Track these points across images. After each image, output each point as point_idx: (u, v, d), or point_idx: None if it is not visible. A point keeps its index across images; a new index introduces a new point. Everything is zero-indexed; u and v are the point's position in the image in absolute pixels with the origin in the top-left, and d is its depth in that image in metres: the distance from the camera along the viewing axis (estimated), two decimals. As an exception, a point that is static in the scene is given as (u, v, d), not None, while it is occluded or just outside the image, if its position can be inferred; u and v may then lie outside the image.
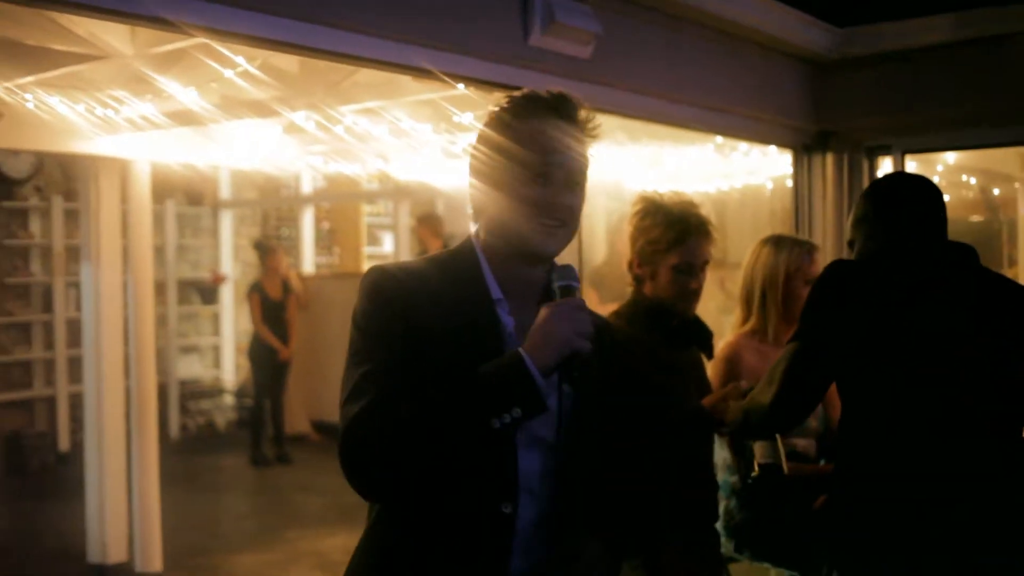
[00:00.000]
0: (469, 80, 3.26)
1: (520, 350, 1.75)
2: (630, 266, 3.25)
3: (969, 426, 2.47)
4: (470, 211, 1.99)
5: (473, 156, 1.95)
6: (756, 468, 3.16)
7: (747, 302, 3.69)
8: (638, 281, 3.23)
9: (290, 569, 6.09)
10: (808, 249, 3.67)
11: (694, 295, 3.18)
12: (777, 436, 3.12)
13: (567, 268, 1.90)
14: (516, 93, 1.95)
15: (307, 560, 6.20)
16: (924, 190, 2.66)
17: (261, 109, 4.56)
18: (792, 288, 3.57)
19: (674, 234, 3.11)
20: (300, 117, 4.82)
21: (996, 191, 7.74)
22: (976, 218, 8.23)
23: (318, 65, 4.25)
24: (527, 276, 1.93)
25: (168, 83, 3.81)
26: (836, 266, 2.70)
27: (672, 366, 3.18)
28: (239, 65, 3.52)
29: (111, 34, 3.42)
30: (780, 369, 2.62)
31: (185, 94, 3.95)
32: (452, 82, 3.24)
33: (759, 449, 3.02)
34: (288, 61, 4.17)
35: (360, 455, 1.76)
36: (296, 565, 6.14)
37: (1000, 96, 4.68)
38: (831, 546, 2.66)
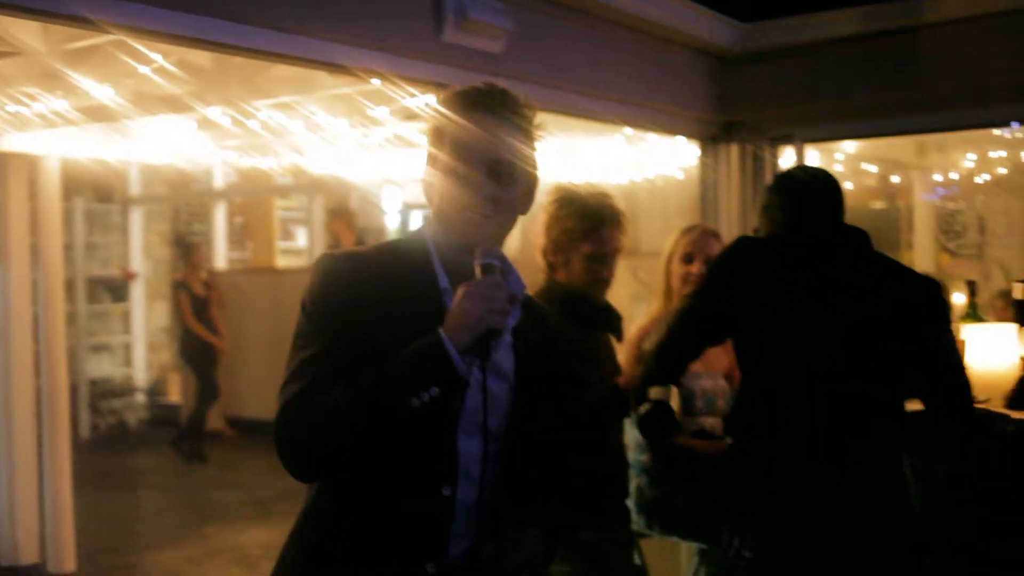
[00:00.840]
0: (384, 75, 3.31)
1: (439, 330, 1.77)
2: (544, 253, 3.34)
3: (852, 398, 2.64)
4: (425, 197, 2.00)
5: (429, 152, 1.96)
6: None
7: (663, 290, 3.83)
8: (551, 268, 3.33)
9: (207, 564, 6.06)
10: (712, 234, 3.82)
11: (605, 283, 3.29)
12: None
13: (494, 250, 1.90)
14: (451, 90, 1.96)
15: (225, 555, 6.17)
16: (822, 180, 2.81)
17: (175, 104, 4.54)
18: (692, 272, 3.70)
19: (588, 224, 3.22)
20: (215, 112, 4.81)
21: (894, 179, 8.02)
22: (876, 205, 8.53)
23: (233, 60, 4.26)
24: (471, 264, 1.90)
25: (81, 79, 3.78)
26: (741, 240, 2.86)
27: (585, 350, 3.29)
28: (154, 61, 3.52)
29: (23, 30, 3.39)
30: (669, 320, 2.81)
31: (99, 90, 3.92)
32: (367, 77, 3.29)
33: (654, 392, 3.05)
34: (202, 57, 4.17)
35: (291, 436, 1.79)
36: (213, 560, 6.12)
37: (896, 87, 4.88)
38: (728, 512, 2.80)
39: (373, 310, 1.83)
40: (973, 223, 7.52)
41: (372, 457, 1.80)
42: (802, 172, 2.88)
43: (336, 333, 1.82)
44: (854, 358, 2.64)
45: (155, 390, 10.80)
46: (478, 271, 1.87)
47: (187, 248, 9.28)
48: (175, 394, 10.46)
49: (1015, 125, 5.73)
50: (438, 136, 1.91)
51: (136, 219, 10.81)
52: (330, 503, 1.90)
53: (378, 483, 1.84)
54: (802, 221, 2.73)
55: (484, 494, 1.93)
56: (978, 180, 7.52)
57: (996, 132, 6.35)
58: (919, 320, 2.64)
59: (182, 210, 11.31)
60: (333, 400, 1.76)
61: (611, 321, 3.39)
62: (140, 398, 10.72)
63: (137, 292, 10.77)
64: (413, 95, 4.04)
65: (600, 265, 3.24)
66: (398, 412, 1.76)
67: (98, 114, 4.60)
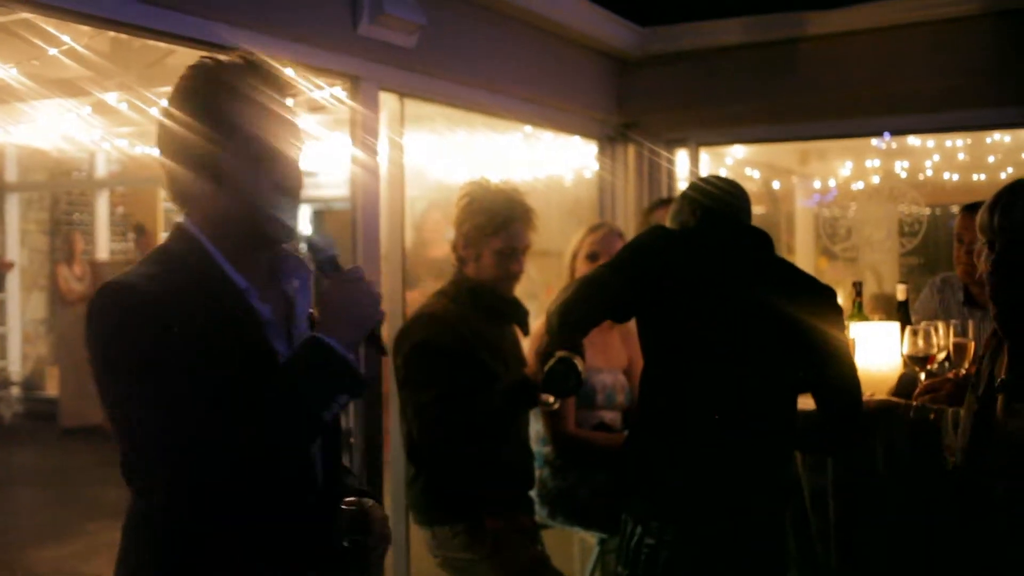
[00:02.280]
0: (297, 65, 3.31)
1: (320, 336, 1.67)
2: (454, 248, 3.40)
3: (748, 390, 2.76)
4: (178, 200, 1.81)
5: (171, 139, 1.76)
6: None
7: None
8: (461, 262, 3.39)
9: (93, 560, 5.92)
10: (618, 234, 3.94)
11: (515, 277, 3.37)
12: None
13: (320, 238, 1.81)
14: (205, 64, 1.77)
15: (111, 551, 5.97)
16: (731, 187, 2.94)
17: (70, 88, 4.45)
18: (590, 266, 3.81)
19: (498, 219, 3.29)
20: (112, 97, 4.72)
21: (776, 184, 8.30)
22: (759, 209, 8.81)
23: (132, 45, 4.19)
24: (257, 261, 1.82)
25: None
26: (657, 227, 2.96)
27: (492, 341, 3.36)
28: (63, 43, 3.46)
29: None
30: (576, 284, 2.86)
31: (3, 71, 3.82)
32: (279, 67, 3.28)
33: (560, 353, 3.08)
34: (101, 41, 4.10)
35: (202, 487, 1.61)
36: (99, 556, 5.97)
37: (784, 95, 5.07)
38: (630, 501, 2.89)
39: (184, 330, 1.63)
40: (857, 228, 7.84)
41: (271, 476, 1.67)
42: (713, 179, 3.00)
43: (170, 371, 1.62)
44: (752, 352, 2.77)
45: (31, 383, 10.46)
46: (327, 266, 1.78)
47: (65, 237, 9.07)
48: (53, 387, 10.15)
49: (887, 136, 6.04)
50: (210, 124, 1.72)
51: (12, 207, 10.46)
52: (187, 543, 1.72)
53: (249, 509, 1.68)
54: (712, 221, 2.85)
55: (327, 482, 1.88)
56: (854, 187, 7.84)
57: (873, 142, 6.65)
58: (813, 320, 2.77)
59: (61, 198, 10.98)
60: (238, 439, 1.61)
61: (518, 315, 3.47)
62: (15, 391, 10.37)
63: (12, 283, 10.42)
64: (320, 87, 4.05)
65: (510, 260, 3.32)
66: (315, 429, 1.68)
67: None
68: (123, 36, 3.87)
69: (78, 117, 5.46)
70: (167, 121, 1.76)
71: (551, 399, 3.13)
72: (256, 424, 1.62)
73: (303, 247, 1.84)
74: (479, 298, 3.33)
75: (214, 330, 1.68)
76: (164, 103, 1.80)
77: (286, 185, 1.78)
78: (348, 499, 1.89)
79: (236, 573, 1.73)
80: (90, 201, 10.72)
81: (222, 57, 1.78)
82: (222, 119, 1.72)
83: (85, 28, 3.58)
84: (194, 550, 1.72)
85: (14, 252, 10.44)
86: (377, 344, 1.79)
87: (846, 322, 3.22)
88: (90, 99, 4.86)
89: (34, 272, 10.73)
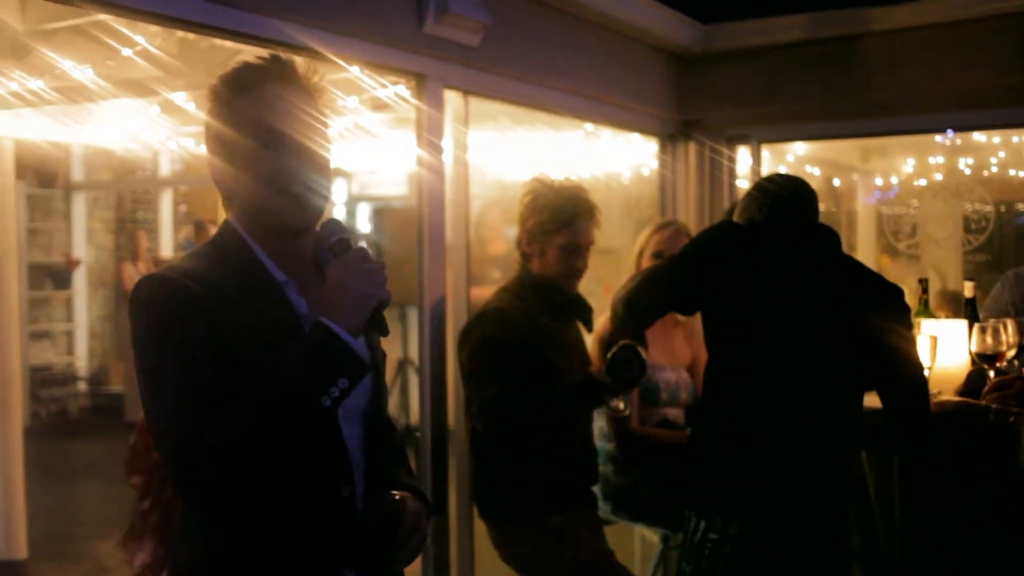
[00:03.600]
0: (363, 64, 3.35)
1: (322, 320, 1.67)
2: (519, 244, 3.43)
3: (814, 388, 2.75)
4: (223, 196, 1.88)
5: (208, 140, 1.86)
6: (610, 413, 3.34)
7: None
8: (526, 259, 3.41)
9: (158, 552, 6.03)
10: (685, 233, 3.93)
11: (579, 273, 3.39)
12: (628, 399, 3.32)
13: (332, 223, 1.83)
14: (231, 67, 1.85)
15: (176, 543, 6.14)
16: (798, 184, 2.93)
17: (138, 88, 4.53)
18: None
19: (563, 216, 3.31)
20: (180, 97, 4.80)
21: (837, 182, 8.22)
22: (820, 207, 8.72)
23: (199, 45, 4.27)
24: (298, 250, 1.86)
25: (60, 60, 3.77)
26: (726, 222, 2.97)
27: (556, 337, 3.37)
28: (136, 43, 3.53)
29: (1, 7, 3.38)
30: (641, 275, 2.89)
31: (81, 72, 3.91)
32: (346, 65, 3.33)
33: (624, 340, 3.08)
34: (169, 42, 4.17)
35: (203, 470, 1.63)
36: (164, 548, 6.09)
37: (846, 92, 5.03)
38: (694, 496, 2.90)
39: (221, 324, 1.68)
40: (922, 226, 7.74)
41: (277, 471, 1.67)
42: (780, 177, 2.99)
43: (195, 357, 1.66)
44: (817, 350, 2.76)
45: (97, 378, 10.66)
46: (335, 249, 1.79)
47: (130, 235, 9.23)
48: (117, 382, 10.34)
49: (950, 133, 5.95)
50: (231, 118, 1.80)
51: (79, 205, 10.66)
52: (226, 537, 1.76)
53: (277, 500, 1.71)
54: (780, 218, 2.84)
55: (371, 475, 1.89)
56: (917, 185, 7.74)
57: (936, 138, 6.56)
58: (881, 318, 2.76)
59: (126, 197, 11.18)
60: (239, 425, 1.62)
61: (582, 311, 3.49)
62: (82, 386, 10.58)
63: (79, 280, 10.63)
64: (385, 85, 4.09)
65: (574, 256, 3.34)
66: (313, 414, 1.65)
67: (62, 95, 4.57)
68: (191, 36, 3.95)
69: (146, 117, 5.56)
70: (208, 120, 1.84)
71: (621, 405, 3.16)
72: (252, 407, 1.62)
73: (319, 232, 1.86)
74: (543, 294, 3.35)
75: (244, 320, 1.72)
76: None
77: (293, 169, 1.80)
78: (391, 492, 1.89)
79: (256, 558, 1.75)
80: (154, 199, 10.91)
81: (253, 59, 1.85)
82: (252, 118, 1.79)
83: (155, 28, 3.65)
84: (213, 534, 1.76)
85: (81, 250, 10.64)
86: (380, 324, 1.77)
87: (913, 320, 3.20)
88: (158, 99, 4.95)
89: (100, 269, 10.93)
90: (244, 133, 1.79)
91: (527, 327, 3.25)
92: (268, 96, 1.80)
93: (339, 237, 1.79)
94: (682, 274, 2.85)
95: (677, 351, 3.99)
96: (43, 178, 10.35)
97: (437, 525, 3.44)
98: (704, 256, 2.85)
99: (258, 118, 1.78)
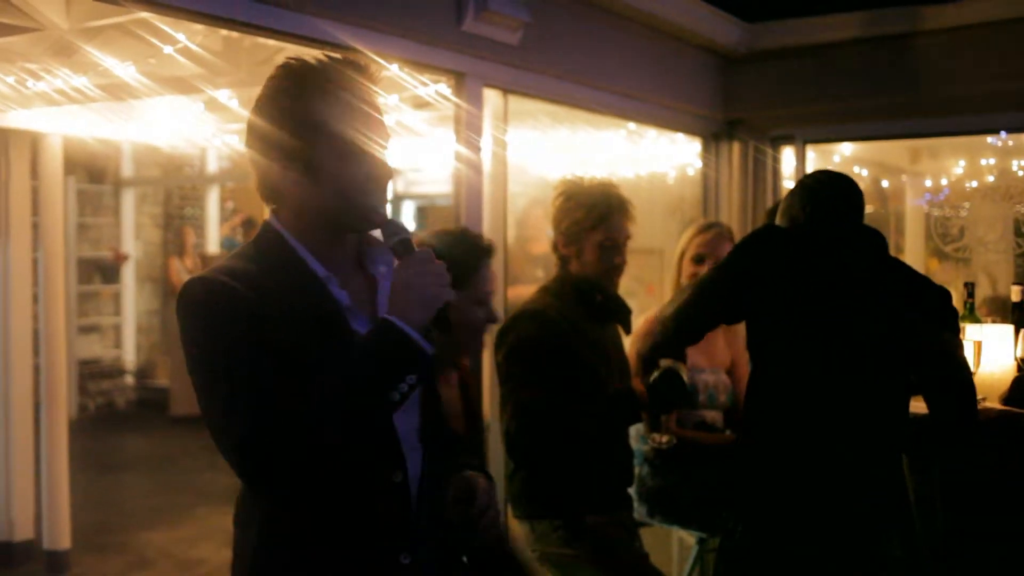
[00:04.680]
0: (403, 62, 3.35)
1: (389, 317, 1.72)
2: (555, 247, 3.41)
3: (859, 392, 2.71)
4: (267, 196, 1.88)
5: (256, 140, 1.83)
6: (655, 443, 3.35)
7: (674, 286, 3.90)
8: (564, 261, 3.39)
9: (200, 545, 6.09)
10: (728, 237, 3.88)
11: (618, 270, 3.36)
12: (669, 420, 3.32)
13: (393, 223, 1.84)
14: (290, 65, 1.82)
15: (218, 536, 6.19)
16: (843, 182, 2.88)
17: (183, 85, 4.57)
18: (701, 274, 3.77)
19: (597, 213, 3.28)
20: (224, 95, 4.83)
21: (885, 183, 8.10)
22: (867, 208, 8.61)
23: (242, 43, 4.29)
24: (342, 247, 1.89)
25: (105, 58, 3.81)
26: (768, 226, 2.93)
27: (595, 339, 3.35)
28: (176, 41, 3.56)
29: (45, 5, 3.42)
30: (686, 291, 2.87)
31: (118, 68, 3.95)
32: (385, 63, 3.33)
33: (664, 361, 3.07)
34: (212, 40, 4.20)
35: (272, 463, 1.66)
36: (207, 541, 6.15)
37: (894, 91, 4.96)
38: (733, 500, 2.87)
39: (267, 322, 1.71)
40: (971, 228, 7.62)
41: (336, 462, 1.71)
42: (824, 174, 2.94)
43: (249, 354, 1.69)
44: (863, 354, 2.71)
45: (144, 372, 10.80)
46: (398, 249, 1.81)
47: (177, 231, 9.33)
48: (164, 377, 10.46)
49: (1003, 134, 5.84)
50: (310, 121, 1.77)
51: (128, 201, 10.80)
52: (282, 524, 1.80)
53: (331, 487, 1.75)
54: (824, 217, 2.80)
55: (428, 466, 1.91)
56: (968, 187, 7.61)
57: (988, 140, 6.44)
58: (928, 323, 2.71)
59: (174, 193, 11.31)
60: (306, 419, 1.66)
61: (621, 314, 3.46)
62: (129, 380, 10.71)
63: (128, 274, 10.77)
64: (425, 84, 4.09)
65: (612, 253, 3.31)
66: (381, 410, 1.72)
67: (109, 92, 4.62)
68: (235, 35, 3.97)
69: (191, 114, 5.61)
70: (257, 120, 1.82)
71: (664, 439, 3.18)
72: (320, 403, 1.66)
73: (379, 231, 1.87)
74: (583, 295, 3.33)
75: (289, 316, 1.74)
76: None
77: (373, 177, 1.82)
78: (461, 472, 1.95)
79: (311, 542, 1.79)
80: (201, 196, 11.03)
81: (308, 57, 1.83)
82: (309, 117, 1.77)
83: (198, 27, 3.67)
84: (272, 529, 1.81)
85: (129, 245, 10.77)
86: (444, 323, 1.79)
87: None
88: (203, 96, 4.98)
89: (148, 264, 11.06)
90: (308, 138, 1.77)
91: (565, 328, 3.22)
92: (335, 100, 1.78)
93: (401, 238, 1.81)
94: (725, 285, 2.83)
95: (716, 353, 3.95)
96: (93, 174, 10.50)
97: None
98: (744, 263, 2.81)
99: (325, 124, 1.77)
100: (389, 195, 1.88)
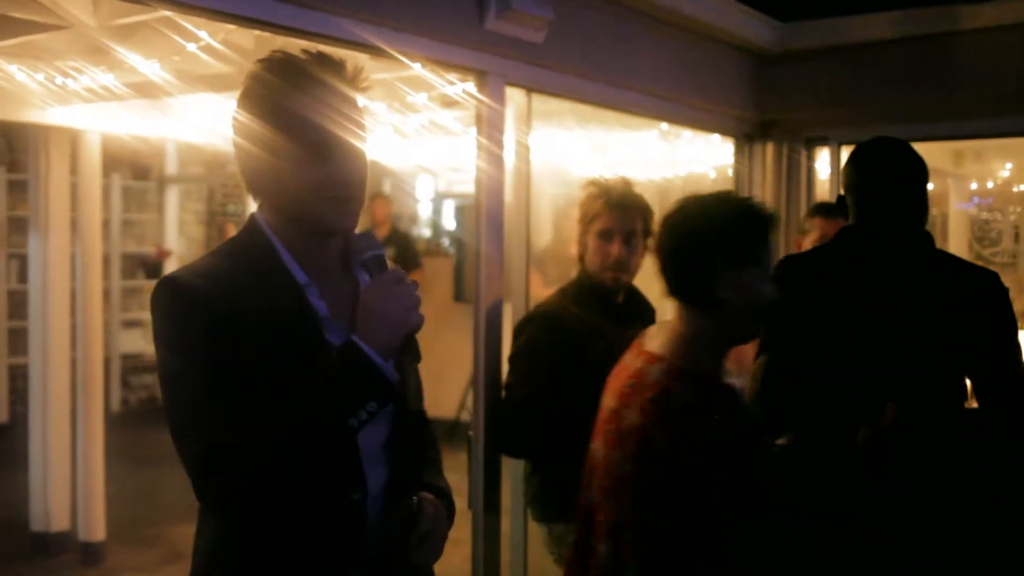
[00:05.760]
0: (425, 60, 3.35)
1: (356, 340, 1.66)
2: (575, 247, 3.40)
3: (909, 387, 2.67)
4: (248, 188, 1.84)
5: (240, 130, 1.79)
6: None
7: None
8: (581, 260, 3.38)
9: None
10: None
11: (617, 263, 3.26)
12: None
13: (367, 237, 1.80)
14: (272, 58, 1.79)
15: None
16: (905, 168, 2.84)
17: (217, 83, 4.60)
18: None
19: (592, 207, 3.27)
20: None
21: (929, 185, 7.98)
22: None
23: (275, 41, 4.31)
24: (324, 253, 1.83)
25: (130, 55, 3.85)
26: (786, 262, 2.90)
27: (617, 342, 3.32)
28: (200, 39, 3.59)
29: (73, 3, 3.46)
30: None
31: (146, 66, 3.99)
32: (408, 62, 3.33)
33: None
34: (245, 37, 4.22)
35: (224, 481, 1.64)
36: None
37: (933, 92, 4.87)
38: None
39: (238, 325, 1.67)
40: (1008, 232, 7.48)
41: (292, 480, 1.67)
42: (882, 145, 2.91)
43: (214, 361, 1.65)
44: (916, 348, 2.68)
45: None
46: (370, 266, 1.77)
47: (219, 227, 9.40)
48: (203, 372, 10.54)
49: (1047, 136, 5.72)
50: (276, 117, 1.73)
51: (172, 198, 10.92)
52: (233, 540, 1.77)
53: (283, 505, 1.70)
54: (877, 221, 2.82)
55: (393, 476, 1.86)
56: (1015, 190, 7.47)
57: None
58: (978, 309, 2.68)
59: (217, 190, 11.42)
60: (262, 437, 1.63)
61: (643, 312, 3.43)
62: (168, 375, 10.81)
63: (170, 270, 10.86)
64: (452, 82, 4.09)
65: (608, 243, 3.25)
66: (338, 435, 1.67)
67: (141, 90, 4.67)
68: (266, 33, 3.99)
69: (227, 112, 5.65)
70: (237, 115, 1.80)
71: None
72: (279, 424, 1.63)
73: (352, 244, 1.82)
74: (600, 296, 3.30)
75: (260, 324, 1.69)
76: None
77: (343, 178, 1.77)
78: (410, 496, 1.84)
79: (262, 556, 1.75)
80: (242, 193, 11.09)
81: (287, 52, 1.80)
82: (281, 112, 1.73)
83: (229, 25, 3.69)
84: (224, 530, 1.78)
85: (172, 241, 10.89)
86: (412, 350, 1.75)
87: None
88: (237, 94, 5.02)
89: (190, 260, 11.15)
90: (292, 136, 1.73)
91: (576, 331, 3.20)
92: (318, 99, 1.74)
93: (373, 254, 1.77)
94: (786, 350, 2.84)
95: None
96: (138, 171, 10.62)
97: (488, 525, 3.42)
98: (789, 332, 2.81)
99: (308, 122, 1.73)
100: (354, 211, 1.81)
